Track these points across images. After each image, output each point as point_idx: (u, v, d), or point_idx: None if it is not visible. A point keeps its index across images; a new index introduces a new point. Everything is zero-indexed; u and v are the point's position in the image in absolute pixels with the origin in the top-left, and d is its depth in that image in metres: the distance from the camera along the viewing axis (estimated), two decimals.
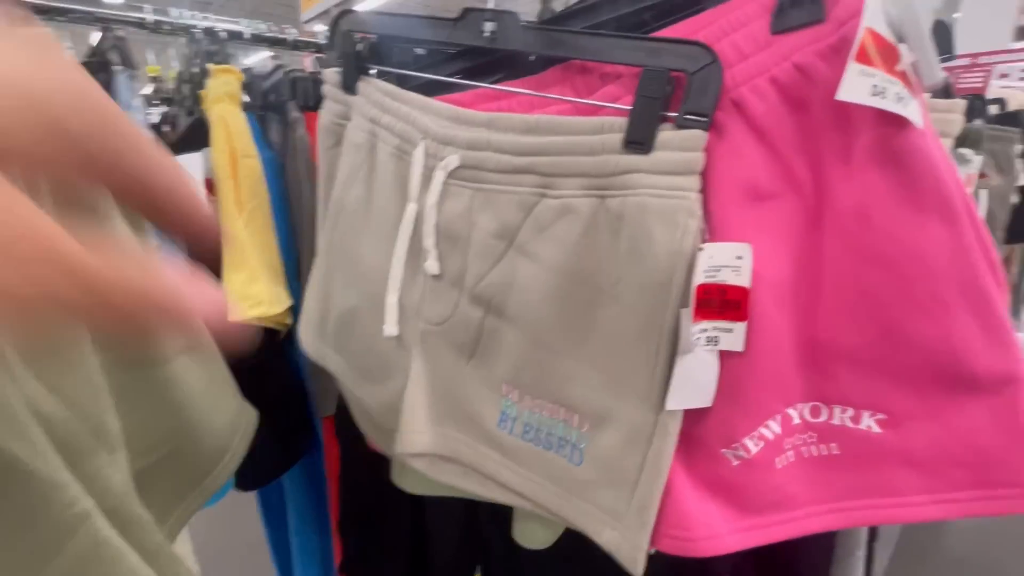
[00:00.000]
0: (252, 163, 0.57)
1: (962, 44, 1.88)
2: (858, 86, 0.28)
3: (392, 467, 0.57)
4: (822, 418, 0.35)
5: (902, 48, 0.29)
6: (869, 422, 0.34)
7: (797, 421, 0.35)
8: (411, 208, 0.41)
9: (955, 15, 1.97)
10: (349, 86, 0.47)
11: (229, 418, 0.39)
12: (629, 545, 0.36)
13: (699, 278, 0.31)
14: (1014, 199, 0.89)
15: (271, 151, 0.63)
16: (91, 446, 0.26)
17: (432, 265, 0.41)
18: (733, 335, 0.32)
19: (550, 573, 0.55)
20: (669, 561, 0.47)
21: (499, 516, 0.56)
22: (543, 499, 0.39)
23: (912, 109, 0.28)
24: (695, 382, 0.33)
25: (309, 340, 0.54)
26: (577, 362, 0.37)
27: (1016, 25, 2.59)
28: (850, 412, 0.34)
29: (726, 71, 0.32)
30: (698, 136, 0.31)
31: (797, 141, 0.32)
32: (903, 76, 0.29)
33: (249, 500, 0.82)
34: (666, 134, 0.32)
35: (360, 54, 0.47)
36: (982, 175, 0.79)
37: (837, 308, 0.33)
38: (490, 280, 0.39)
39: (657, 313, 0.33)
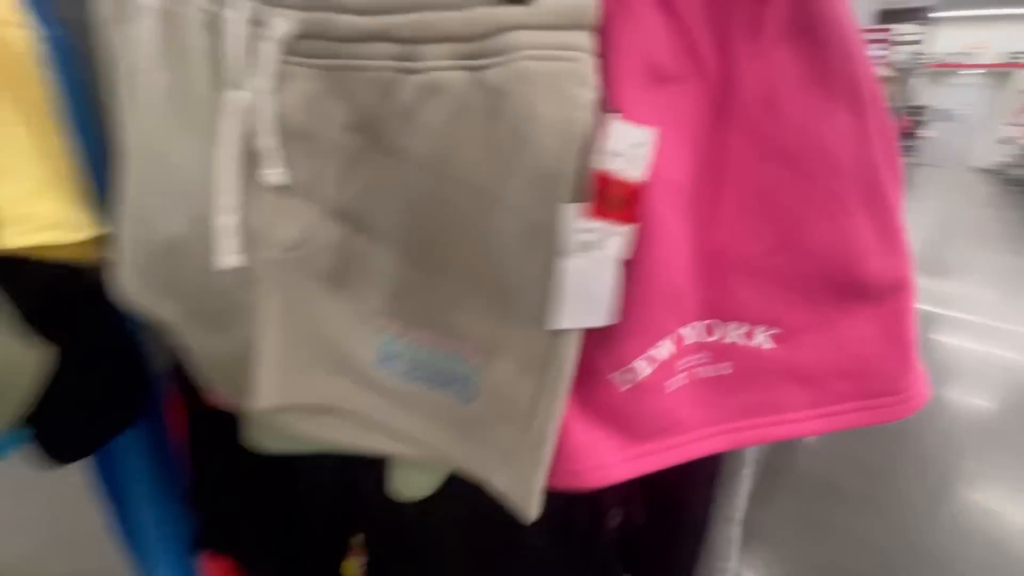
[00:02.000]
0: (16, 34, 0.42)
1: None
2: None
3: (245, 426, 0.48)
4: (716, 336, 0.32)
5: None
6: (762, 338, 0.32)
7: (690, 341, 0.32)
8: (237, 97, 0.31)
9: None
10: None
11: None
12: (521, 488, 0.31)
13: (596, 163, 0.25)
14: None
15: (59, 27, 0.48)
16: None
17: (274, 174, 0.31)
18: (619, 240, 0.27)
19: (435, 526, 0.51)
20: (558, 495, 0.44)
21: (378, 470, 0.51)
22: (431, 443, 0.34)
23: None
24: (586, 295, 0.28)
25: (129, 282, 0.42)
26: (461, 282, 0.31)
27: (878, 8, 2.86)
28: (744, 328, 0.32)
29: None
30: None
31: (703, 10, 0.27)
32: None
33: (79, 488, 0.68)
34: None
35: None
36: None
37: (736, 213, 0.30)
38: (351, 188, 0.31)
39: (545, 213, 0.27)
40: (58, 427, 0.40)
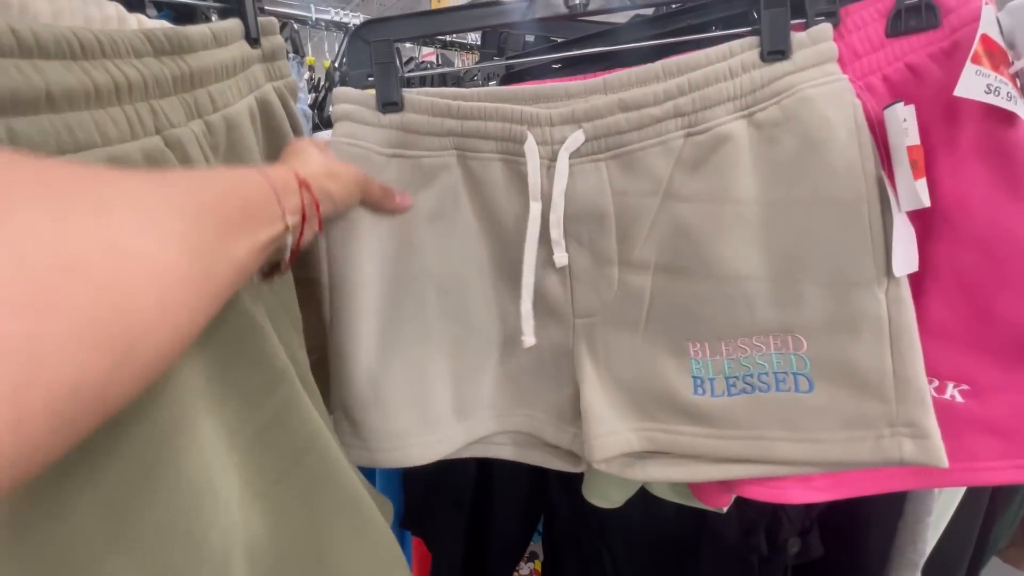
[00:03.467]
0: None
1: None
2: (974, 84, 0.31)
3: None
4: None
5: (1012, 54, 0.33)
6: (953, 392, 0.37)
7: None
8: (535, 208, 0.38)
9: None
10: (391, 103, 0.39)
11: None
12: (926, 448, 0.34)
13: (905, 140, 0.33)
14: None
15: None
16: (289, 327, 0.34)
17: (560, 257, 0.38)
18: (919, 189, 0.33)
19: (615, 530, 0.58)
20: (739, 522, 0.50)
21: (567, 484, 0.59)
22: (777, 455, 0.36)
23: (1021, 107, 0.32)
24: (910, 242, 0.34)
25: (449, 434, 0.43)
26: (773, 282, 0.36)
27: None
28: (935, 382, 0.38)
29: (842, 69, 0.36)
30: (826, 28, 0.35)
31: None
32: (1012, 79, 0.32)
33: None
34: (797, 36, 0.35)
35: (402, 64, 0.43)
36: None
37: (928, 285, 0.37)
38: (650, 239, 0.38)
39: (855, 190, 0.33)
40: None
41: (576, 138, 0.37)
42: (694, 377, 0.38)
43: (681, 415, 0.38)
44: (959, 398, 0.37)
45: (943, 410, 0.37)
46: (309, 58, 0.82)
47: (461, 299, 0.41)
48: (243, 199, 0.24)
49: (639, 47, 0.43)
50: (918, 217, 0.36)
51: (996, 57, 0.32)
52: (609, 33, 0.49)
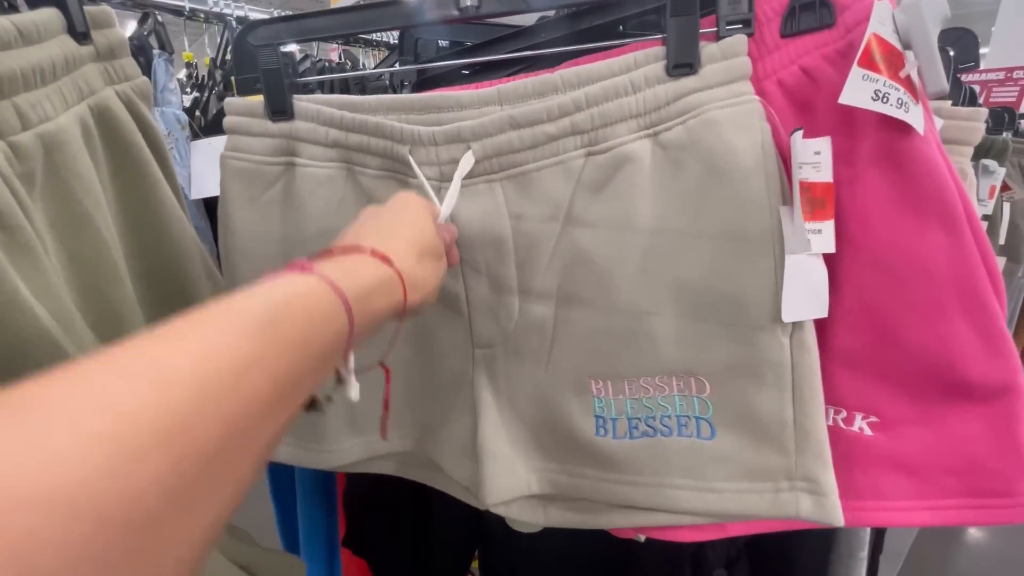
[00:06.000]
0: None
1: (998, 58, 1.84)
2: (861, 90, 0.28)
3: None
4: None
5: (907, 55, 0.29)
6: (861, 424, 0.34)
7: None
8: None
9: (992, 28, 1.92)
10: (280, 111, 0.37)
11: None
12: (823, 500, 0.32)
13: (799, 174, 0.30)
14: None
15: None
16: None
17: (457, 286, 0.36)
18: (823, 236, 0.30)
19: (545, 555, 0.56)
20: (663, 551, 0.47)
21: None
22: (680, 504, 0.34)
23: (914, 115, 0.28)
24: (809, 286, 0.31)
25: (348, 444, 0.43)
26: (677, 319, 0.33)
27: None
28: (843, 413, 0.35)
29: None
30: (741, 40, 0.31)
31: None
32: (907, 82, 0.29)
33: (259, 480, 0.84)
34: (708, 49, 0.31)
35: (291, 69, 0.38)
36: (1005, 187, 0.77)
37: (834, 309, 0.33)
38: (552, 267, 0.35)
39: (760, 226, 0.30)
40: None
41: (467, 160, 0.34)
42: (596, 416, 0.35)
43: (584, 456, 0.36)
44: (868, 431, 0.34)
45: (852, 444, 0.35)
46: (186, 54, 0.76)
47: None
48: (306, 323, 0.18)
49: (557, 50, 0.39)
50: None
51: (889, 59, 0.29)
52: (523, 34, 0.46)
